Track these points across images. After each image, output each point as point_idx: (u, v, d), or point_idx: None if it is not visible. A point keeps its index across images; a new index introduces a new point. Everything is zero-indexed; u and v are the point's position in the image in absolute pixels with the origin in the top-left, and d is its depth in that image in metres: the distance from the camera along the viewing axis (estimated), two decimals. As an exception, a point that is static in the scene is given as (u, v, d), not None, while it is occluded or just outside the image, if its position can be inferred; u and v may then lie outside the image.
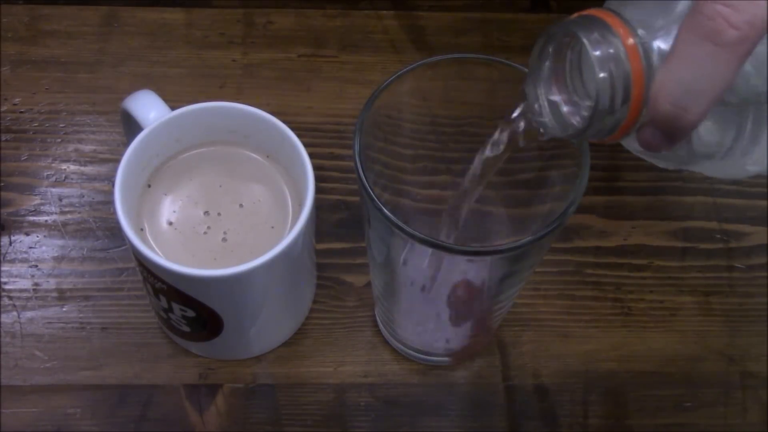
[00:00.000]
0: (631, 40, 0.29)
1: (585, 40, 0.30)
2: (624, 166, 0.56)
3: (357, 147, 0.36)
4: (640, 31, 0.30)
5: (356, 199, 0.52)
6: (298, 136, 0.43)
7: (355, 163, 0.36)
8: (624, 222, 0.54)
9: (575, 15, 0.31)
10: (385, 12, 0.61)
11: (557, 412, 0.48)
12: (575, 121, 0.33)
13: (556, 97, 0.33)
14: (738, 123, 0.32)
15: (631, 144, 0.33)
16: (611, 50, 0.30)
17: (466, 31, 0.61)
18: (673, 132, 0.30)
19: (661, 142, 0.30)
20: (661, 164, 0.35)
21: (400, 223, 0.35)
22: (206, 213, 0.44)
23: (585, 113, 0.32)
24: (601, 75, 0.30)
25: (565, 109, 0.33)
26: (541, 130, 0.34)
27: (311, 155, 0.43)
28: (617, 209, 0.54)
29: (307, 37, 0.60)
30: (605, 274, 0.52)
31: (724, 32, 0.27)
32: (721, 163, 0.33)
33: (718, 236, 0.54)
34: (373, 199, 0.35)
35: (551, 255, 0.52)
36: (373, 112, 0.38)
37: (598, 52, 0.30)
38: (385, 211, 0.35)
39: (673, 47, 0.29)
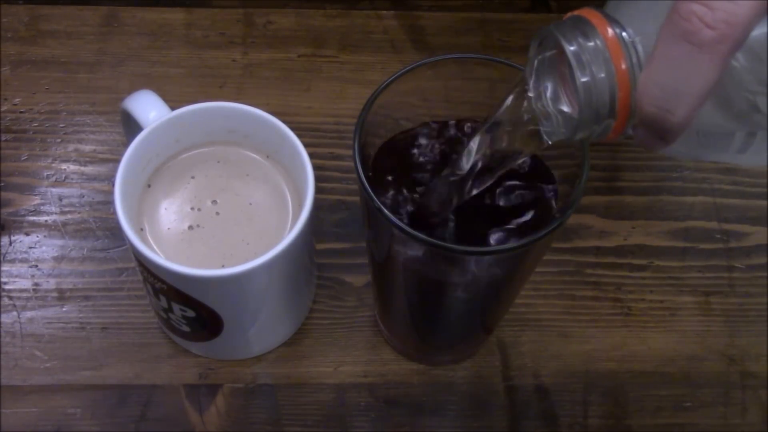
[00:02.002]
0: (614, 41, 0.29)
1: (565, 44, 0.30)
2: (624, 166, 0.56)
3: (357, 147, 0.36)
4: (630, 31, 0.30)
5: (356, 199, 0.52)
6: (298, 136, 0.43)
7: (355, 163, 0.36)
8: (624, 222, 0.54)
9: (567, 15, 0.31)
10: (385, 12, 0.61)
11: (557, 412, 0.48)
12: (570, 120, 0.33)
13: (551, 105, 0.33)
14: (747, 119, 0.31)
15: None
16: (593, 53, 0.29)
17: (466, 31, 0.61)
18: (661, 133, 0.29)
19: (654, 141, 0.30)
20: (675, 155, 0.35)
21: (400, 223, 0.35)
22: (206, 213, 0.44)
23: (575, 116, 0.32)
24: (583, 79, 0.30)
25: (566, 110, 0.33)
26: (541, 128, 0.34)
27: (311, 155, 0.43)
28: (617, 209, 0.54)
29: (307, 37, 0.60)
30: (605, 274, 0.52)
31: (700, 32, 0.27)
32: (741, 156, 0.33)
33: (718, 236, 0.54)
34: (373, 199, 0.35)
35: (551, 255, 0.52)
36: (373, 112, 0.38)
37: (578, 57, 0.29)
38: (385, 211, 0.35)
39: (654, 48, 0.29)
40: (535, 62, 0.32)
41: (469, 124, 0.40)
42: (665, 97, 0.28)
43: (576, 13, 0.31)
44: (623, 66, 0.29)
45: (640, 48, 0.29)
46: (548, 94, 0.33)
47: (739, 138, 0.32)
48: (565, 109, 0.32)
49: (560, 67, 0.32)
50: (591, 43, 0.29)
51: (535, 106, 0.33)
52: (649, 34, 0.29)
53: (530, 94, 0.33)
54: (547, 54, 0.32)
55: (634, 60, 0.29)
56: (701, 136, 0.31)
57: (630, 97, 0.30)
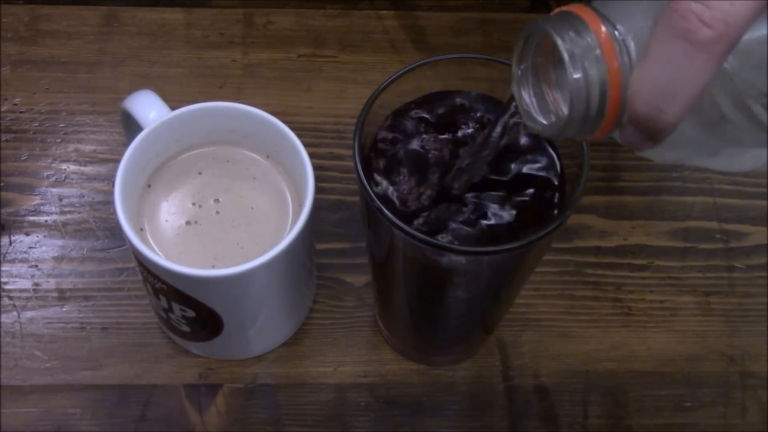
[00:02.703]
0: (607, 38, 0.29)
1: (558, 40, 0.29)
2: (624, 166, 0.56)
3: (357, 147, 0.36)
4: (621, 29, 0.29)
5: (356, 199, 0.52)
6: (298, 136, 0.43)
7: (355, 163, 0.36)
8: (624, 222, 0.54)
9: (556, 11, 0.31)
10: (385, 12, 0.61)
11: (557, 412, 0.48)
12: (556, 119, 0.33)
13: (533, 99, 0.33)
14: (731, 123, 0.31)
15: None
16: (586, 50, 0.29)
17: (466, 31, 0.61)
18: (652, 133, 0.29)
19: (643, 141, 0.30)
20: (656, 159, 0.35)
21: (400, 223, 0.35)
22: (206, 210, 0.44)
23: (561, 114, 0.32)
24: (575, 75, 0.29)
25: (550, 107, 0.33)
26: (528, 124, 0.34)
27: (311, 155, 0.43)
28: (617, 209, 0.54)
29: (307, 37, 0.60)
30: (605, 274, 0.52)
31: (698, 31, 0.27)
32: (718, 160, 0.33)
33: (718, 236, 0.54)
34: (373, 199, 0.35)
35: (551, 255, 0.52)
36: (373, 112, 0.38)
37: (571, 53, 0.29)
38: (385, 211, 0.35)
39: (648, 46, 0.28)
40: (522, 63, 0.32)
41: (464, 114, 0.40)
42: (659, 96, 0.28)
43: (564, 8, 0.30)
44: (615, 64, 0.29)
45: (631, 45, 0.29)
46: (534, 92, 0.32)
47: (722, 145, 0.32)
48: (552, 107, 0.32)
49: (547, 64, 0.32)
50: (582, 40, 0.29)
51: (523, 105, 0.33)
52: (636, 31, 0.29)
53: (517, 92, 0.33)
54: (533, 52, 0.32)
55: (626, 58, 0.29)
56: (688, 138, 0.31)
57: (621, 95, 0.29)
